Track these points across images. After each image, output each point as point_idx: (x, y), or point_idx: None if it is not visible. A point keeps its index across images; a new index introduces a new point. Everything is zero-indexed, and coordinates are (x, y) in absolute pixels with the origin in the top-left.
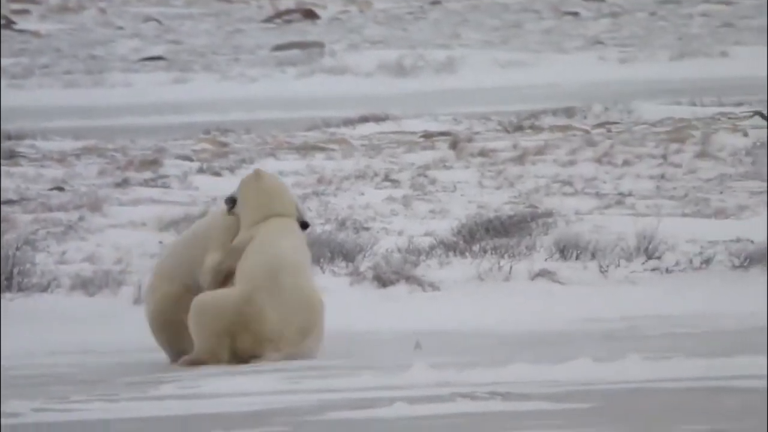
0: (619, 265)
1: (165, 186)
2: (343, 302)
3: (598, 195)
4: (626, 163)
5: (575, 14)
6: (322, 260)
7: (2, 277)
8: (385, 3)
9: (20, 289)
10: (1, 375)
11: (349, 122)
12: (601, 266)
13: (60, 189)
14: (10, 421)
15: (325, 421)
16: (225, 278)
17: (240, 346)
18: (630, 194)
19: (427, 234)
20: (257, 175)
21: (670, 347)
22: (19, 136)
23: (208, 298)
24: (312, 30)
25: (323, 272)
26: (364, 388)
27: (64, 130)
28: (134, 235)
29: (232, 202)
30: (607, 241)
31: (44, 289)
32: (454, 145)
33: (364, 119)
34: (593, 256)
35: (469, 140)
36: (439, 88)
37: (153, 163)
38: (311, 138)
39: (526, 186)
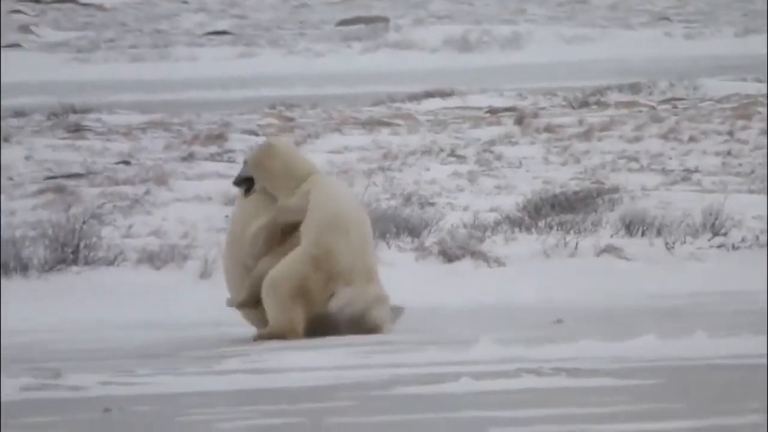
0: (685, 242)
1: (231, 160)
2: (408, 277)
3: (664, 171)
4: (692, 139)
5: None
6: (387, 235)
7: (69, 251)
8: None
9: (87, 263)
10: (63, 348)
11: (414, 97)
12: (667, 242)
13: (126, 163)
14: (74, 394)
15: (392, 396)
16: (268, 247)
17: (314, 288)
18: (696, 170)
19: (492, 209)
20: (271, 144)
21: (736, 324)
22: (85, 110)
23: (277, 268)
24: (377, 5)
25: (389, 247)
26: (430, 364)
27: (130, 104)
28: (200, 209)
29: (248, 181)
30: (673, 218)
31: (111, 262)
32: (519, 121)
33: (430, 94)
34: (659, 232)
35: (535, 116)
36: (505, 64)
37: (219, 137)
38: (377, 113)
39: (591, 162)
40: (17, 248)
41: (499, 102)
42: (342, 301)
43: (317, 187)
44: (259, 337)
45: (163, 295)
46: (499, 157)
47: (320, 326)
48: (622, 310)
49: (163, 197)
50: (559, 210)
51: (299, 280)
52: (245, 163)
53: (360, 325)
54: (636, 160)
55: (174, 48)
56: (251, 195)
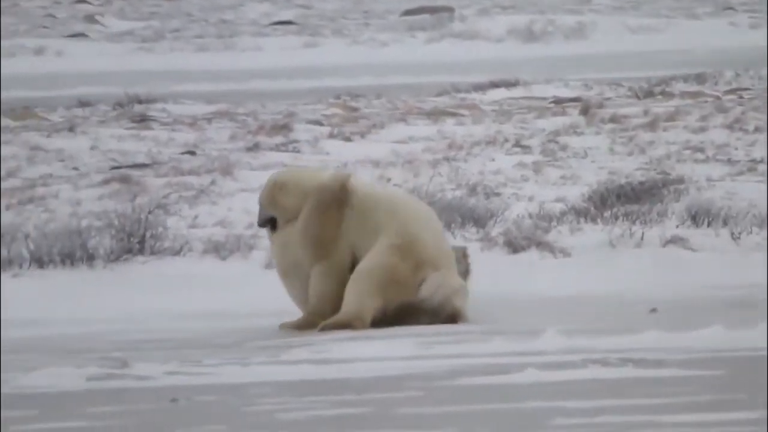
0: (751, 232)
1: (296, 151)
2: (474, 268)
3: (729, 161)
4: (758, 129)
5: None
6: (452, 225)
7: (135, 241)
8: None
9: (152, 253)
10: (130, 338)
11: (479, 87)
12: (732, 233)
13: (191, 153)
14: (140, 384)
15: (458, 386)
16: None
17: (404, 277)
18: (762, 161)
19: (558, 200)
20: (275, 181)
21: None
22: (151, 100)
23: (363, 262)
24: None
25: (454, 237)
26: (496, 354)
27: (195, 94)
28: None
29: (271, 221)
30: (738, 208)
31: (176, 253)
32: (585, 111)
33: (494, 84)
34: (725, 222)
35: (600, 106)
36: (570, 54)
37: (284, 127)
38: (441, 103)
39: (657, 152)
40: (83, 238)
41: (564, 92)
42: (433, 285)
43: (369, 190)
44: (325, 327)
45: (228, 286)
46: (564, 148)
47: (403, 316)
48: (687, 300)
49: (229, 187)
50: (624, 200)
51: (387, 272)
52: (261, 205)
53: (444, 311)
54: (701, 150)
55: (239, 38)
56: (280, 229)
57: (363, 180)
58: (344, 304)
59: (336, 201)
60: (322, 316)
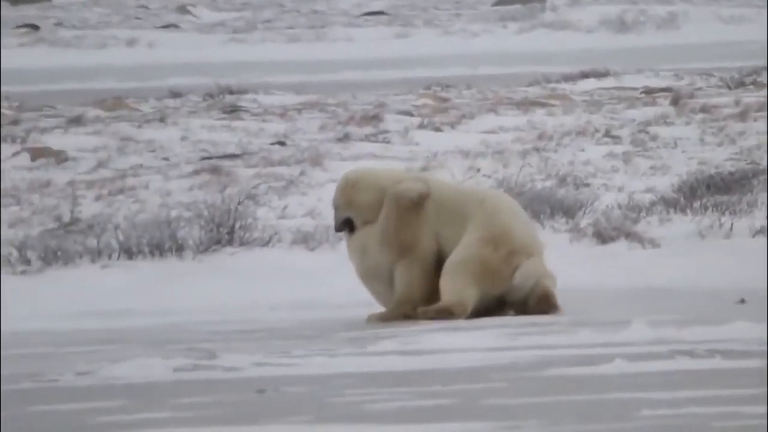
0: None
1: (386, 141)
2: (562, 258)
3: None
4: None
5: None
6: (542, 216)
7: (224, 231)
8: None
9: (242, 244)
10: (218, 329)
11: (569, 78)
12: None
13: (281, 143)
14: (228, 375)
15: (544, 377)
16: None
17: (497, 267)
18: None
19: (647, 190)
20: (348, 179)
21: None
22: (241, 91)
23: (455, 254)
24: None
25: (543, 228)
26: (583, 345)
27: (286, 85)
28: None
29: (348, 223)
30: None
31: (265, 243)
32: (675, 101)
33: (585, 75)
34: None
35: (691, 96)
36: (661, 44)
37: (374, 118)
38: (532, 94)
39: (747, 142)
40: (172, 229)
41: (654, 82)
42: (528, 271)
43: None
44: (425, 313)
45: (316, 276)
46: (654, 138)
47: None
48: None
49: (318, 178)
50: (714, 191)
51: (480, 264)
52: (336, 208)
53: (535, 294)
54: None
55: (330, 29)
56: (358, 231)
57: (441, 178)
58: (443, 293)
59: (414, 206)
60: (410, 305)
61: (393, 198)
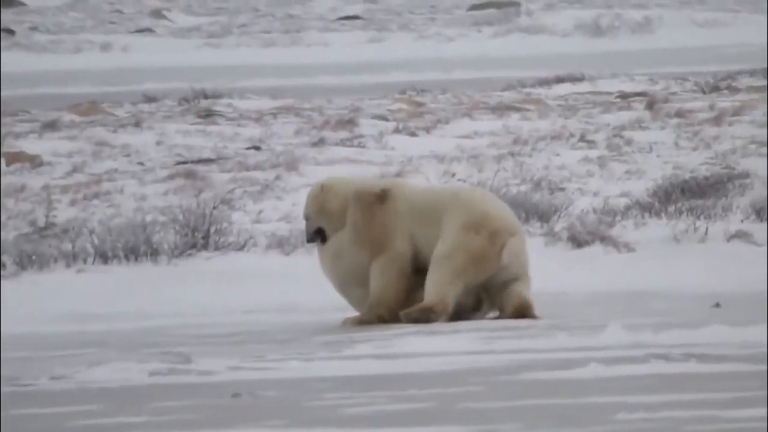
0: None
1: (361, 146)
2: (538, 262)
3: None
4: None
5: None
6: None
7: (199, 236)
8: None
9: (217, 248)
10: (193, 333)
11: (544, 82)
12: None
13: (257, 148)
14: (203, 379)
15: (520, 381)
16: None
17: (482, 249)
18: None
19: (622, 195)
20: (322, 186)
21: None
22: (217, 95)
23: (439, 248)
24: None
25: None
26: (559, 349)
27: (261, 89)
28: None
29: (320, 233)
30: None
31: (241, 247)
32: (650, 106)
33: (560, 79)
34: None
35: (666, 101)
36: (636, 48)
37: (349, 122)
38: (507, 98)
39: (722, 147)
40: (147, 233)
41: (629, 87)
42: (515, 248)
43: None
44: (408, 315)
45: (292, 281)
46: (629, 142)
47: (473, 302)
48: (751, 295)
49: (294, 182)
50: (689, 195)
51: (466, 252)
52: (307, 218)
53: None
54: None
55: (306, 33)
56: (329, 240)
57: (414, 182)
58: (426, 293)
59: (379, 200)
60: (385, 308)
61: (356, 197)
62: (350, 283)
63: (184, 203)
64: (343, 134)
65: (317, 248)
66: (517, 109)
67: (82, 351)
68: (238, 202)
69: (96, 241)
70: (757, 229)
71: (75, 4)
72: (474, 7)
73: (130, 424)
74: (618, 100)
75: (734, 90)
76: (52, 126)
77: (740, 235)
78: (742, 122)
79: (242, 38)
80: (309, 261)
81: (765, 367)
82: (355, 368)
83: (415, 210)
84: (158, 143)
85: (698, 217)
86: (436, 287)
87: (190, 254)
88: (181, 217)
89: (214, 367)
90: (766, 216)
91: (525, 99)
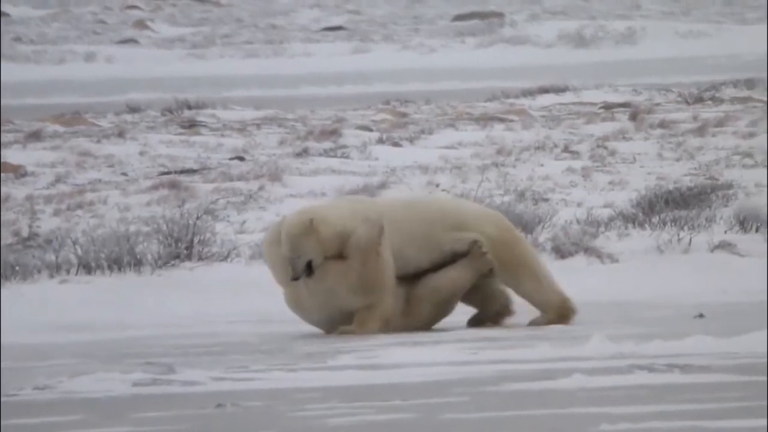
0: None
1: (345, 156)
2: None
3: None
4: None
5: None
6: None
7: (183, 246)
8: None
9: (200, 258)
10: (177, 343)
11: (528, 93)
12: None
13: (240, 158)
14: (187, 390)
15: (503, 391)
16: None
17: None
18: None
19: (606, 205)
20: (309, 216)
21: None
22: (200, 106)
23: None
24: (492, 0)
25: None
26: (542, 359)
27: (245, 100)
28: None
29: (308, 267)
30: None
31: (224, 258)
32: (633, 117)
33: (544, 90)
34: None
35: (649, 111)
36: (619, 59)
37: (333, 133)
38: (490, 109)
39: (706, 158)
40: (131, 244)
41: (613, 97)
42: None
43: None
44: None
45: (276, 291)
46: (613, 153)
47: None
48: (735, 306)
49: (277, 193)
50: (672, 206)
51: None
52: (296, 256)
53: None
54: (750, 156)
55: (289, 44)
56: (319, 271)
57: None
58: (541, 301)
59: (376, 245)
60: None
61: (355, 243)
62: (338, 318)
63: (168, 214)
64: (327, 145)
65: (303, 283)
66: (501, 120)
67: (66, 361)
68: (222, 213)
69: (79, 251)
70: (740, 239)
71: (59, 15)
72: (458, 18)
73: None
74: (602, 110)
75: (718, 101)
76: (35, 136)
77: (724, 246)
78: (725, 133)
79: (226, 49)
80: None
81: (747, 378)
82: (338, 379)
83: (404, 231)
84: (142, 153)
85: (682, 228)
86: (542, 291)
87: (173, 265)
88: (164, 228)
89: (198, 378)
90: (757, 227)
91: (509, 110)
